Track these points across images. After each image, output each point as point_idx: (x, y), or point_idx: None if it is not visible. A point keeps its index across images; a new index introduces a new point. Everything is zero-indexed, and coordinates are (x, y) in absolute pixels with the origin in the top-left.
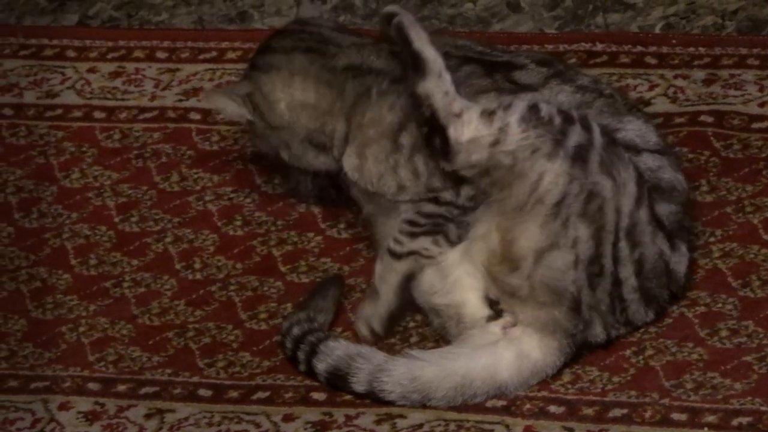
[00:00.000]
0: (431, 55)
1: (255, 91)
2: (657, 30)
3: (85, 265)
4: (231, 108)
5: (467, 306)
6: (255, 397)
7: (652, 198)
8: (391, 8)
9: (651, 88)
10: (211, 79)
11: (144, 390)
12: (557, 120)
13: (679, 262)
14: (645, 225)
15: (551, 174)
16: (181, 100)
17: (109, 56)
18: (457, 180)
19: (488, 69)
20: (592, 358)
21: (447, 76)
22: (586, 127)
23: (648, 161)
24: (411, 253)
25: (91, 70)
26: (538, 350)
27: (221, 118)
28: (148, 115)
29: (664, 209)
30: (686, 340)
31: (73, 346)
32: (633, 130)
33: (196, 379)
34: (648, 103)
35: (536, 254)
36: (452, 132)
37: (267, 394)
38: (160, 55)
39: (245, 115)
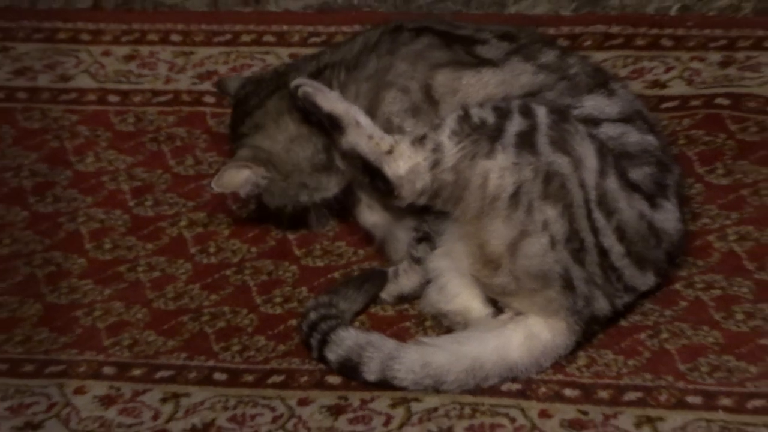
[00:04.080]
0: (342, 109)
1: (257, 154)
2: (673, 12)
3: (99, 250)
4: (246, 175)
5: (472, 311)
6: (270, 381)
7: (623, 165)
8: (296, 81)
9: (667, 70)
10: (225, 62)
11: (159, 374)
12: (490, 119)
13: (666, 220)
14: (617, 192)
15: (495, 170)
16: (195, 84)
17: (123, 39)
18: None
19: (448, 41)
20: (607, 342)
21: (366, 121)
22: (526, 113)
23: (609, 131)
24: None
25: (105, 54)
26: (547, 331)
27: (242, 194)
28: (162, 98)
29: (639, 173)
30: (702, 324)
31: (88, 330)
32: (590, 105)
33: (211, 363)
34: (664, 85)
35: (510, 248)
36: (388, 169)
37: (282, 378)
38: (174, 38)
39: (262, 173)
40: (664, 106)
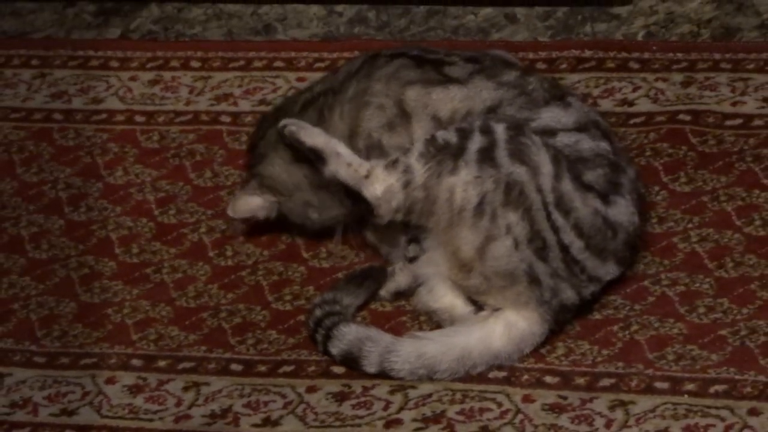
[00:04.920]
0: (323, 142)
1: (263, 181)
2: (639, 38)
3: (128, 254)
4: (257, 201)
5: (456, 308)
6: (281, 370)
7: (578, 169)
8: (283, 121)
9: (634, 90)
10: (240, 85)
11: (182, 365)
12: (453, 140)
13: (620, 213)
14: (572, 193)
15: (460, 185)
16: (213, 105)
17: (149, 66)
18: (400, 227)
19: (419, 62)
20: (583, 333)
21: (344, 151)
22: (486, 131)
23: (564, 139)
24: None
25: (132, 79)
26: (522, 321)
27: (259, 217)
28: (183, 118)
29: (593, 175)
30: (668, 316)
31: (118, 326)
32: (547, 117)
33: (228, 355)
34: (632, 103)
35: (479, 252)
36: (366, 192)
37: (292, 368)
38: (194, 64)
39: (270, 198)
40: (632, 122)
